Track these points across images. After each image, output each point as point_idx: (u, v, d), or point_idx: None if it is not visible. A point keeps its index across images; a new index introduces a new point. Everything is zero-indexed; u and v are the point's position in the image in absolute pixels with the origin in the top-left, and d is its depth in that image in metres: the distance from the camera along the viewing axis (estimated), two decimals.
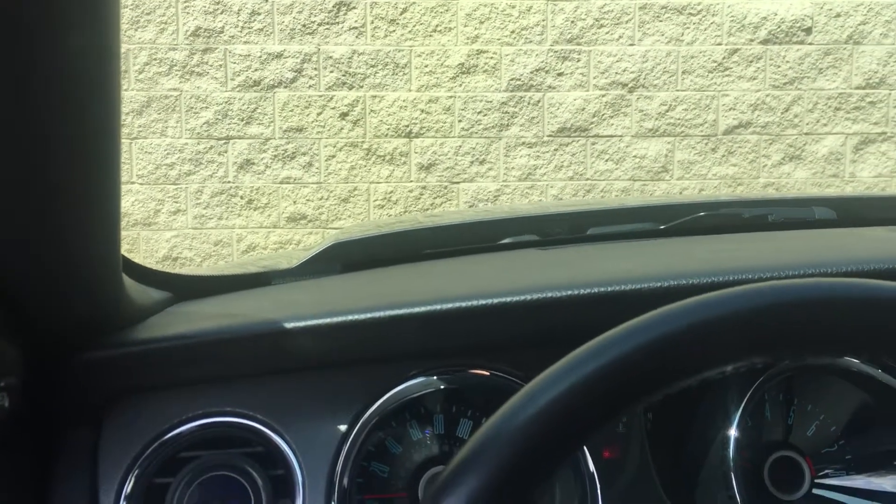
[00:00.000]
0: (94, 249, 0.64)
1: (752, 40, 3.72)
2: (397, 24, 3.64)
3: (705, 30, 3.71)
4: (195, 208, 3.67)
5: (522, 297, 0.78)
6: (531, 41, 3.68)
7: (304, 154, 3.66)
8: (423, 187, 3.70)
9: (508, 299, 0.78)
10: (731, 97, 3.74)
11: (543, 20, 3.67)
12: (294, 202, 3.68)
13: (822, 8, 3.73)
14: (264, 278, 1.05)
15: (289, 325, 0.78)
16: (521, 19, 3.67)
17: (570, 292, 0.78)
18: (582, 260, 0.98)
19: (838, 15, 3.74)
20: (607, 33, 3.69)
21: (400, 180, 3.70)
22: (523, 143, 3.71)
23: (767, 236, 1.09)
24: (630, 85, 3.71)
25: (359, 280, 1.02)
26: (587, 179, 3.74)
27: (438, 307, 0.78)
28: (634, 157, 3.74)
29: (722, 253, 0.95)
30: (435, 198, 3.70)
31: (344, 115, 3.65)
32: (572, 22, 3.68)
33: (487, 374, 0.83)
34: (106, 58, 0.49)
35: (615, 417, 0.46)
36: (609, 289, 0.78)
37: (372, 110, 3.66)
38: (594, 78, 3.70)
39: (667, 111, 3.72)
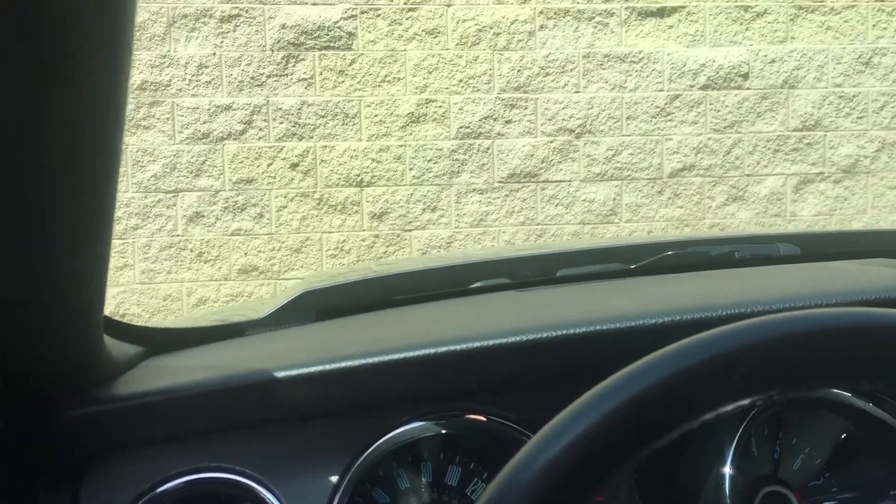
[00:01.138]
0: (79, 310, 0.62)
1: (692, 86, 3.84)
2: (346, 74, 3.66)
3: (647, 77, 3.81)
4: (143, 262, 3.59)
5: (520, 338, 0.77)
6: (479, 90, 3.73)
7: (254, 205, 3.62)
8: (376, 236, 3.69)
9: (506, 340, 0.77)
10: (674, 141, 3.83)
11: (490, 69, 3.73)
12: (245, 254, 3.63)
13: (757, 54, 3.88)
14: (238, 329, 1.02)
15: (276, 375, 0.76)
16: (468, 69, 3.73)
17: (565, 331, 0.78)
18: (563, 301, 0.98)
19: (773, 61, 3.88)
20: (553, 81, 3.77)
21: (352, 229, 3.68)
22: (474, 189, 3.74)
23: (737, 273, 1.10)
24: (577, 131, 3.78)
25: (336, 327, 1.00)
26: (538, 224, 3.78)
27: (432, 351, 0.77)
28: (584, 200, 3.80)
29: (701, 290, 0.96)
30: (388, 246, 3.69)
31: (294, 166, 3.63)
32: (518, 70, 3.75)
33: (482, 419, 0.82)
34: (111, 109, 0.47)
35: (637, 455, 0.46)
36: (606, 327, 0.78)
37: (322, 160, 3.65)
38: (542, 125, 3.77)
39: (613, 156, 3.80)
